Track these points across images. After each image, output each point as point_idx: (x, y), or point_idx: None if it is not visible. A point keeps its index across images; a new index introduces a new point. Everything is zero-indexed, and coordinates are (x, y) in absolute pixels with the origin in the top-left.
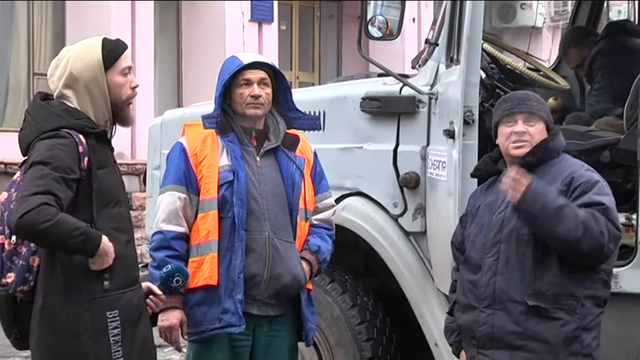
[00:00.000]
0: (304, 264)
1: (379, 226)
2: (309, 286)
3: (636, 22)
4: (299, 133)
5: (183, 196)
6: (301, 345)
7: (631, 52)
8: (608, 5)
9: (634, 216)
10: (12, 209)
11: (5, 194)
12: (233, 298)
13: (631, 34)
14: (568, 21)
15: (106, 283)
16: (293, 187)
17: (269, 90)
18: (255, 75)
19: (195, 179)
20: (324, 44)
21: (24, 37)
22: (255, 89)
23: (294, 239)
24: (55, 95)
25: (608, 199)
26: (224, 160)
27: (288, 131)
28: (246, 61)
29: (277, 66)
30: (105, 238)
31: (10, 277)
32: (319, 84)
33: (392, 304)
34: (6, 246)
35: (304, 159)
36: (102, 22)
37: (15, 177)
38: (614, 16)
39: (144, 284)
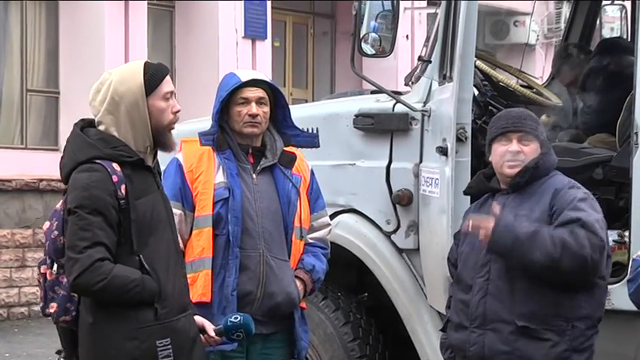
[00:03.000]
0: (298, 283)
1: (372, 242)
2: (303, 304)
3: (629, 40)
4: (296, 150)
5: (178, 212)
6: None
7: (623, 69)
8: (600, 23)
9: (626, 233)
10: (53, 238)
11: (47, 223)
12: (226, 315)
13: (623, 52)
14: (561, 38)
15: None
16: (289, 205)
17: (267, 109)
18: (254, 94)
19: (191, 195)
20: (318, 61)
21: (17, 53)
22: (253, 108)
23: (289, 257)
24: (96, 121)
25: (585, 214)
26: (220, 177)
27: (285, 149)
28: (244, 79)
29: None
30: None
31: (53, 307)
32: (313, 101)
33: (385, 321)
34: (48, 276)
35: (301, 177)
36: (95, 40)
37: (57, 206)
38: (606, 33)
39: (198, 320)
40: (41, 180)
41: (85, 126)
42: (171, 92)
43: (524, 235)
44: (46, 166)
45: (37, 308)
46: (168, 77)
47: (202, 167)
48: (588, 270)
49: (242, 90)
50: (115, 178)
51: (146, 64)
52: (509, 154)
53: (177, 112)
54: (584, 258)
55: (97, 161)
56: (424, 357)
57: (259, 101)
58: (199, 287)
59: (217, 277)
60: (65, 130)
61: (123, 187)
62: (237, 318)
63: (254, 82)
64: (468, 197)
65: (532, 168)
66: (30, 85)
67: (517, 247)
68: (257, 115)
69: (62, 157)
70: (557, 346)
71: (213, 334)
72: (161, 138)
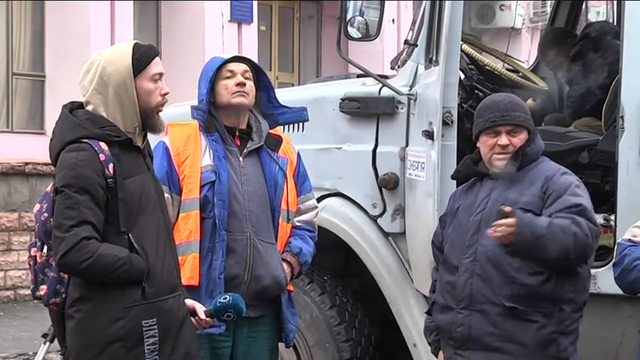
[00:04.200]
0: (285, 266)
1: (358, 226)
2: (290, 287)
3: (615, 24)
4: (282, 133)
5: (165, 195)
6: (280, 345)
7: (609, 53)
8: (586, 6)
9: (612, 217)
10: (43, 221)
11: (38, 206)
12: (213, 298)
13: (609, 36)
14: (547, 22)
15: (146, 290)
16: (275, 188)
17: (252, 83)
18: (239, 67)
19: (178, 179)
20: (304, 45)
21: (3, 37)
22: (240, 78)
23: (276, 240)
24: (84, 101)
25: (585, 200)
26: (207, 160)
27: (271, 132)
28: (228, 57)
29: None
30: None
31: (43, 290)
32: (299, 84)
33: (371, 305)
34: (38, 258)
35: (287, 160)
36: (81, 22)
37: (48, 188)
38: (592, 17)
39: (189, 302)
40: (27, 163)
41: (74, 108)
42: (160, 74)
43: (543, 230)
44: (31, 149)
45: (23, 292)
46: (157, 59)
47: (189, 150)
48: (588, 257)
49: (226, 65)
50: (102, 157)
51: (136, 45)
52: (498, 147)
53: (166, 94)
54: (589, 247)
55: (85, 140)
56: (410, 340)
57: (244, 74)
58: (187, 270)
59: (205, 261)
60: (51, 114)
61: (110, 165)
62: (226, 298)
63: (238, 59)
64: (454, 181)
65: (521, 154)
66: (16, 69)
67: (538, 245)
68: (244, 84)
69: (51, 139)
70: (545, 328)
71: (203, 316)
72: (149, 120)
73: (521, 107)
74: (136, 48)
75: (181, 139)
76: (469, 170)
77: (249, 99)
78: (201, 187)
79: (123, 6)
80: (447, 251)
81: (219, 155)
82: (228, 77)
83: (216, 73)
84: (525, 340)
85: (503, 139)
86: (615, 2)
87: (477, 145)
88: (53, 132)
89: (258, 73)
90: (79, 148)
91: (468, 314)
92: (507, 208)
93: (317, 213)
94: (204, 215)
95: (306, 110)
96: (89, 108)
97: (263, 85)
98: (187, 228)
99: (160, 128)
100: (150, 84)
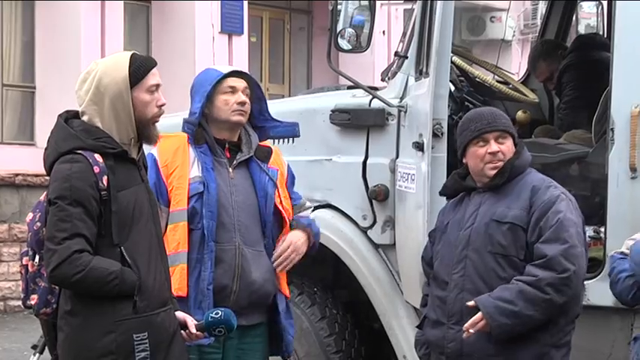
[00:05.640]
0: (300, 232)
1: (348, 238)
2: (286, 292)
3: (605, 36)
4: (273, 146)
5: None
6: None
7: (599, 65)
8: (577, 19)
9: (602, 229)
10: (35, 230)
11: (31, 215)
12: (202, 309)
13: (600, 48)
14: (537, 34)
15: (137, 304)
16: (266, 199)
17: (248, 100)
18: (240, 83)
19: (166, 190)
20: (294, 56)
21: None
22: (242, 96)
23: (264, 249)
24: (80, 111)
25: (562, 215)
26: (195, 172)
27: (260, 143)
28: (226, 71)
29: None
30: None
31: (34, 299)
32: (289, 96)
33: (361, 317)
34: (29, 268)
35: (277, 170)
36: (72, 35)
37: (41, 198)
38: (583, 29)
39: (180, 315)
40: (17, 175)
41: (70, 117)
42: (157, 85)
43: (515, 305)
44: (22, 160)
45: (13, 303)
46: (154, 70)
47: (177, 162)
48: (578, 282)
49: (226, 80)
50: (96, 169)
51: (133, 56)
52: (489, 156)
53: (162, 105)
54: (569, 278)
55: (79, 152)
56: (399, 352)
57: (245, 92)
58: (175, 282)
59: (193, 272)
60: (41, 125)
61: (105, 178)
62: (217, 313)
63: (237, 73)
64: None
65: (510, 167)
66: (6, 80)
67: (522, 318)
68: (246, 102)
69: (46, 149)
70: (538, 342)
71: (194, 330)
72: (145, 131)
73: (503, 116)
74: (134, 59)
75: (170, 151)
76: (457, 185)
77: (247, 117)
78: (189, 198)
79: (113, 17)
80: (437, 267)
81: (208, 167)
82: (228, 92)
83: (214, 85)
84: (518, 355)
85: (494, 146)
86: (605, 15)
87: (464, 160)
88: (48, 141)
89: (251, 86)
90: (73, 159)
91: (460, 329)
92: (470, 303)
93: (312, 210)
94: (192, 226)
95: (298, 126)
96: (84, 118)
97: (256, 97)
98: (176, 239)
99: (155, 139)
100: (146, 95)
